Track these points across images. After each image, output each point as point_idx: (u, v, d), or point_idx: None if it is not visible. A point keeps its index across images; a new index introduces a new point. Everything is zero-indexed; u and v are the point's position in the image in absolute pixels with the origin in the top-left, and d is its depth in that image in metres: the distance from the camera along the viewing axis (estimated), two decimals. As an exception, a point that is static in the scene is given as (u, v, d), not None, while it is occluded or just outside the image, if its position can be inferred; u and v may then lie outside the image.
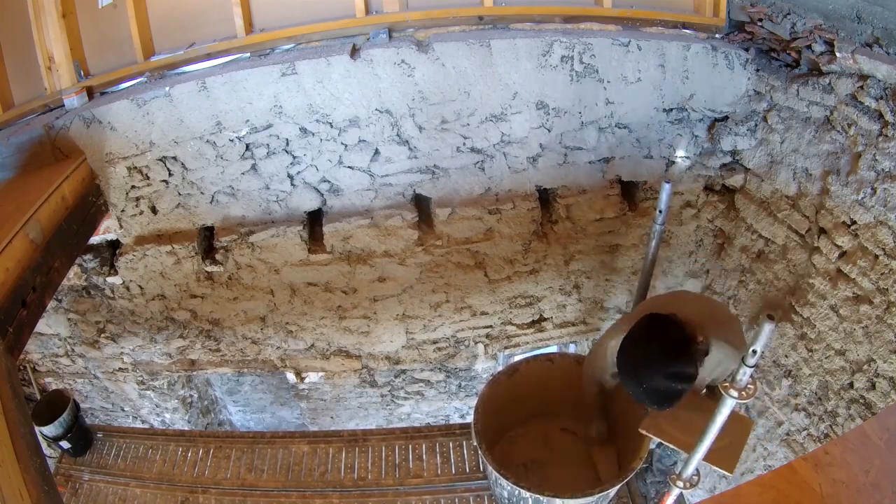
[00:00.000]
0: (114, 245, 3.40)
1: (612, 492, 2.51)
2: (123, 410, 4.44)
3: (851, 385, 2.83)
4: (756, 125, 3.17)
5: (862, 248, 2.66)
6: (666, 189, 2.67)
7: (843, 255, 2.78)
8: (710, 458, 2.19)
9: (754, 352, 1.87)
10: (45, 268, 2.41)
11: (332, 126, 3.04)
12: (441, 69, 2.92)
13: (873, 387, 2.71)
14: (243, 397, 5.10)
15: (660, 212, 2.74)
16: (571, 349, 5.33)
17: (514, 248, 3.61)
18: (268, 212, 3.30)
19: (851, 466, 1.26)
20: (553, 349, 5.46)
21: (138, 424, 4.51)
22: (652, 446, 2.88)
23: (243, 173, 3.14)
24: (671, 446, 2.50)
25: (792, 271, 3.15)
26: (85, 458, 3.40)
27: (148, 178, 3.07)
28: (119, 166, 3.00)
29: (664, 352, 2.01)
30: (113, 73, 3.01)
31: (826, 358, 2.96)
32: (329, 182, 3.24)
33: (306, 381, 4.16)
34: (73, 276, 3.39)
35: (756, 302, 3.45)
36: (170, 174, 3.09)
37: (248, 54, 3.01)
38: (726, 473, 2.41)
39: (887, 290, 2.55)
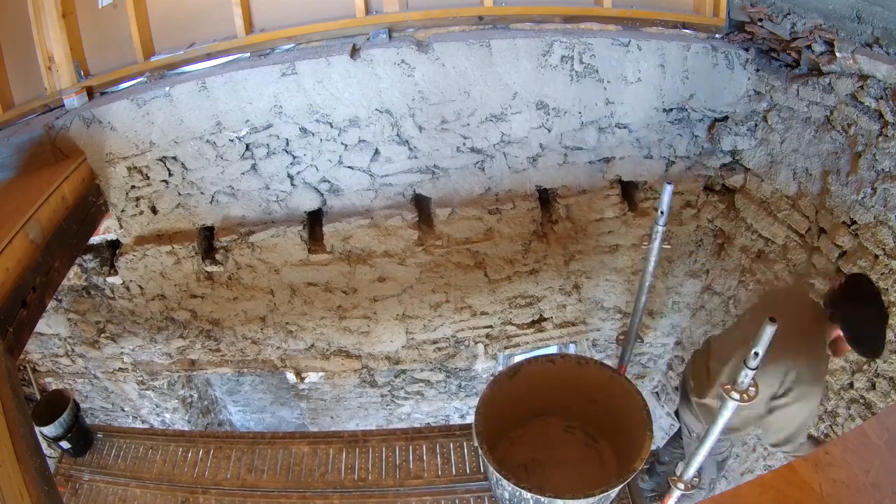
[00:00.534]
0: (114, 245, 3.40)
1: (614, 492, 2.51)
2: (123, 410, 4.44)
3: (851, 385, 2.83)
4: (756, 125, 3.17)
5: (862, 247, 2.66)
6: (667, 190, 2.67)
7: (843, 254, 2.78)
8: None
9: (756, 354, 1.88)
10: (45, 268, 2.41)
11: (332, 126, 3.04)
12: (441, 69, 2.92)
13: (873, 387, 2.71)
14: (243, 397, 5.10)
15: (661, 212, 2.74)
16: (571, 349, 5.32)
17: (514, 248, 3.61)
18: (268, 212, 3.30)
19: (851, 466, 1.26)
20: (553, 349, 5.46)
21: (138, 424, 4.51)
22: (653, 447, 2.88)
23: (243, 173, 3.14)
24: None
25: (792, 271, 3.15)
26: (85, 458, 3.40)
27: (148, 178, 3.07)
28: (119, 166, 3.00)
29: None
30: (113, 73, 3.01)
31: (826, 358, 2.96)
32: (329, 182, 3.24)
33: (306, 381, 4.16)
34: (73, 276, 3.39)
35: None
36: (170, 174, 3.09)
37: (248, 54, 3.01)
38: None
39: (887, 290, 2.55)
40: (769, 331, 1.80)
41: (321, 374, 4.12)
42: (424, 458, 3.23)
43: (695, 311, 4.17)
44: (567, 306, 4.03)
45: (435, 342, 4.04)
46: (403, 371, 4.22)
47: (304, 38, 3.02)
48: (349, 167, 3.20)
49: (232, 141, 3.01)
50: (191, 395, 4.49)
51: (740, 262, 3.55)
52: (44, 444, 2.72)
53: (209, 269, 3.42)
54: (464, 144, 3.20)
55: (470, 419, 4.19)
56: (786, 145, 3.03)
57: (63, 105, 2.93)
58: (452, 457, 3.23)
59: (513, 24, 3.07)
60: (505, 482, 2.47)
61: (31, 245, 2.31)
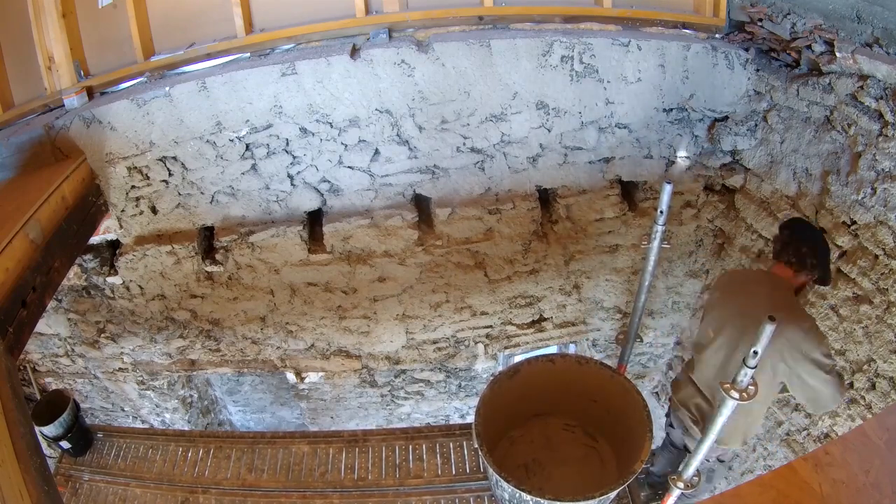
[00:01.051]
0: (114, 245, 3.40)
1: (613, 494, 2.51)
2: (123, 410, 4.44)
3: (851, 385, 2.83)
4: (756, 125, 3.17)
5: (862, 248, 2.66)
6: (667, 189, 2.67)
7: (843, 255, 2.78)
8: None
9: (755, 353, 1.88)
10: (45, 268, 2.41)
11: (332, 126, 3.04)
12: (441, 69, 2.92)
13: (873, 387, 2.71)
14: (243, 397, 5.10)
15: (661, 212, 2.74)
16: (571, 349, 5.32)
17: (514, 248, 3.61)
18: (268, 212, 3.30)
19: (851, 466, 1.26)
20: (553, 349, 5.46)
21: (138, 424, 4.51)
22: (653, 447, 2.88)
23: (243, 173, 3.14)
24: None
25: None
26: (85, 458, 3.40)
27: (148, 178, 3.07)
28: (119, 166, 3.00)
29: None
30: (113, 73, 3.01)
31: (826, 358, 2.96)
32: (329, 182, 3.24)
33: (306, 381, 4.16)
34: (73, 276, 3.39)
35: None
36: (170, 174, 3.09)
37: (248, 54, 3.01)
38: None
39: (887, 290, 2.55)
40: (768, 330, 1.80)
41: (321, 374, 4.12)
42: (424, 457, 3.23)
43: (695, 311, 4.17)
44: (567, 306, 4.03)
45: (435, 342, 4.04)
46: (403, 371, 4.22)
47: (304, 38, 3.02)
48: (349, 167, 3.20)
49: (232, 141, 3.01)
50: (191, 395, 4.49)
51: (740, 262, 3.55)
52: (44, 444, 2.72)
53: (209, 269, 3.42)
54: (464, 144, 3.20)
55: (470, 419, 4.19)
56: (786, 145, 3.03)
57: (63, 105, 2.93)
58: (452, 456, 3.23)
59: (513, 24, 3.07)
60: (504, 483, 2.47)
61: (31, 245, 2.31)
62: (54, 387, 4.08)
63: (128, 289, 3.51)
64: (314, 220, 3.46)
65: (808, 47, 2.76)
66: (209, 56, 2.99)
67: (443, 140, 3.16)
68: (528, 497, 2.44)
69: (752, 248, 3.41)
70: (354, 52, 2.89)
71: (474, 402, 2.94)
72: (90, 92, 2.98)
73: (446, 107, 3.05)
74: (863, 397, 2.77)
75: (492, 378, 2.94)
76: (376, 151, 3.16)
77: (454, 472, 3.16)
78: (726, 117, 3.26)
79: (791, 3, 2.84)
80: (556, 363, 3.03)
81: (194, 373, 4.10)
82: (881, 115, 2.48)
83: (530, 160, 3.30)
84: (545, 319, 4.07)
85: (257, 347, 3.90)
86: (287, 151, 3.10)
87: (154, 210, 3.21)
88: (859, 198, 2.62)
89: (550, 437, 3.13)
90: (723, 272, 3.56)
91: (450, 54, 2.89)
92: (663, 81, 3.10)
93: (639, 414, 2.69)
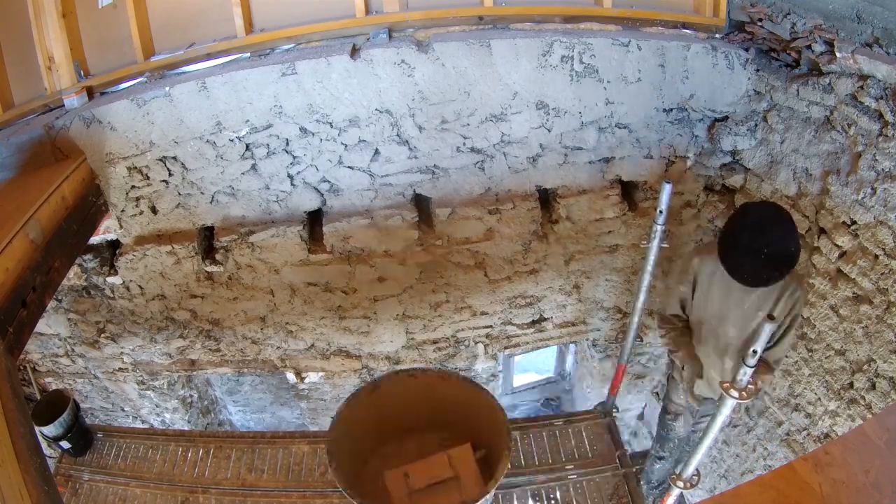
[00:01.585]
0: (114, 245, 3.40)
1: None
2: (123, 410, 4.44)
3: (851, 385, 2.83)
4: (756, 125, 3.17)
5: (862, 248, 2.66)
6: (666, 189, 2.68)
7: (843, 255, 2.78)
8: None
9: (754, 352, 1.88)
10: (45, 268, 2.41)
11: (332, 126, 3.04)
12: (441, 69, 2.92)
13: (873, 387, 2.71)
14: (243, 397, 5.10)
15: (660, 212, 2.74)
16: (571, 349, 5.33)
17: (514, 248, 3.61)
18: (268, 212, 3.30)
19: (851, 466, 1.26)
20: (553, 349, 5.47)
21: (138, 424, 4.51)
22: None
23: (243, 173, 3.14)
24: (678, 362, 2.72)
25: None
26: (85, 458, 3.41)
27: (148, 178, 3.07)
28: (119, 166, 3.00)
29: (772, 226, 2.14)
30: (113, 73, 3.00)
31: (826, 358, 2.96)
32: (329, 182, 3.24)
33: (306, 381, 4.16)
34: (73, 276, 3.39)
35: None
36: (170, 174, 3.09)
37: (248, 54, 3.01)
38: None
39: (887, 290, 2.55)
40: (767, 329, 1.81)
41: (321, 374, 4.12)
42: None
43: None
44: (567, 306, 4.03)
45: (435, 342, 4.04)
46: (403, 371, 4.23)
47: (304, 38, 3.02)
48: (349, 167, 3.20)
49: (232, 141, 3.01)
50: (191, 395, 4.49)
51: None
52: (44, 444, 2.72)
53: (209, 269, 3.42)
54: (464, 144, 3.20)
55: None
56: (786, 145, 3.03)
57: (63, 105, 2.92)
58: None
59: (513, 24, 3.07)
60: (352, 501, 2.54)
61: (31, 245, 2.31)
62: (54, 387, 4.07)
63: (128, 289, 3.51)
64: (314, 220, 3.46)
65: (808, 47, 2.76)
66: (209, 56, 2.99)
67: (443, 140, 3.16)
68: None
69: (752, 248, 3.41)
70: (354, 52, 2.89)
71: (474, 402, 2.95)
72: (90, 92, 2.97)
73: (446, 107, 3.05)
74: (863, 397, 2.77)
75: (350, 394, 2.94)
76: (376, 151, 3.16)
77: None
78: (726, 117, 3.26)
79: (791, 3, 2.84)
80: (418, 378, 3.03)
81: (194, 373, 4.09)
82: (881, 115, 2.48)
83: (530, 160, 3.30)
84: (545, 319, 4.07)
85: (257, 347, 3.90)
86: (287, 151, 3.10)
87: (154, 210, 3.21)
88: (859, 198, 2.62)
89: (425, 452, 3.10)
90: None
91: (450, 54, 2.89)
92: (663, 81, 3.10)
93: (500, 431, 2.69)
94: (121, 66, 3.01)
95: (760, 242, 2.09)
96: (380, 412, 3.00)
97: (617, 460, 3.42)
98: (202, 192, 3.18)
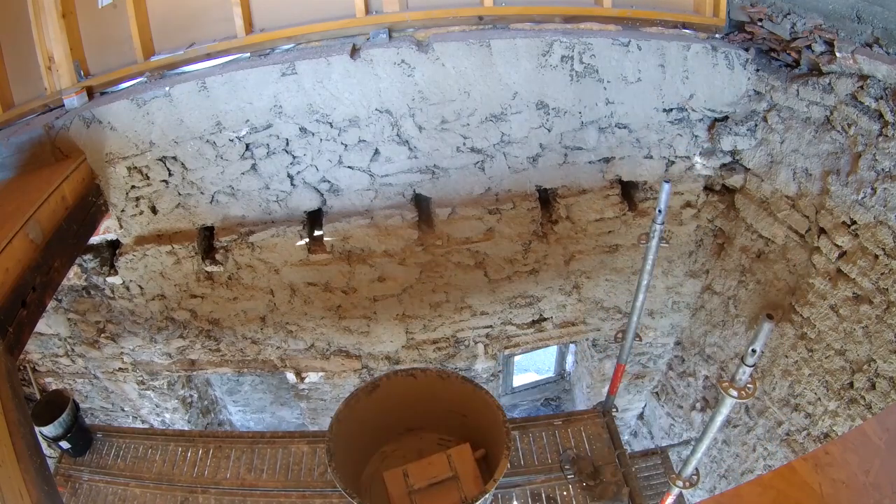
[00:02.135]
0: (114, 245, 3.40)
1: None
2: (123, 410, 4.44)
3: (851, 385, 2.83)
4: (756, 125, 3.17)
5: (862, 247, 2.66)
6: (665, 189, 2.67)
7: (843, 255, 2.78)
8: None
9: (753, 351, 1.88)
10: (45, 268, 2.41)
11: (331, 126, 3.04)
12: (441, 69, 2.92)
13: (873, 387, 2.71)
14: (243, 397, 5.11)
15: (659, 211, 2.74)
16: (571, 349, 5.33)
17: (514, 248, 3.61)
18: (268, 212, 3.30)
19: (851, 466, 1.26)
20: (553, 349, 5.47)
21: (138, 424, 4.51)
22: (659, 446, 2.87)
23: (243, 173, 3.14)
24: None
25: (792, 271, 3.15)
26: (85, 458, 3.40)
27: (148, 178, 3.07)
28: (119, 166, 3.00)
29: None
30: (113, 73, 3.01)
31: (826, 358, 2.96)
32: (329, 182, 3.24)
33: (306, 381, 4.16)
34: (73, 276, 3.39)
35: (756, 302, 3.46)
36: (170, 174, 3.09)
37: (248, 54, 3.01)
38: None
39: (887, 290, 2.55)
40: (766, 328, 1.81)
41: (321, 374, 4.12)
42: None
43: (695, 311, 4.17)
44: (567, 306, 4.03)
45: (435, 342, 4.04)
46: (403, 371, 4.23)
47: (304, 38, 3.02)
48: (349, 167, 3.20)
49: (232, 141, 3.01)
50: (191, 395, 4.49)
51: (740, 262, 3.55)
52: (44, 444, 2.72)
53: (209, 269, 3.42)
54: (464, 144, 3.20)
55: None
56: (786, 145, 3.03)
57: (63, 105, 2.92)
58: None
59: (513, 24, 3.07)
60: (350, 500, 2.54)
61: (31, 245, 2.31)
62: (54, 387, 4.08)
63: (128, 289, 3.51)
64: (314, 220, 3.46)
65: (808, 47, 2.76)
66: (209, 56, 2.99)
67: (443, 140, 3.16)
68: None
69: (752, 249, 3.42)
70: (354, 52, 2.89)
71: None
72: (90, 92, 2.97)
73: (446, 107, 3.05)
74: (863, 397, 2.77)
75: (350, 394, 2.94)
76: (376, 151, 3.16)
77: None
78: (726, 117, 3.26)
79: (791, 3, 2.84)
80: (418, 377, 3.03)
81: (194, 373, 4.10)
82: (881, 115, 2.48)
83: (530, 160, 3.30)
84: (545, 319, 4.07)
85: (257, 347, 3.90)
86: (287, 151, 3.10)
87: (154, 210, 3.21)
88: (859, 198, 2.62)
89: (424, 451, 3.10)
90: None
91: (450, 54, 2.89)
92: (663, 81, 3.10)
93: (499, 430, 2.69)
94: (121, 66, 3.01)
95: None
96: (379, 412, 3.00)
97: (617, 460, 3.42)
98: (202, 192, 3.18)
